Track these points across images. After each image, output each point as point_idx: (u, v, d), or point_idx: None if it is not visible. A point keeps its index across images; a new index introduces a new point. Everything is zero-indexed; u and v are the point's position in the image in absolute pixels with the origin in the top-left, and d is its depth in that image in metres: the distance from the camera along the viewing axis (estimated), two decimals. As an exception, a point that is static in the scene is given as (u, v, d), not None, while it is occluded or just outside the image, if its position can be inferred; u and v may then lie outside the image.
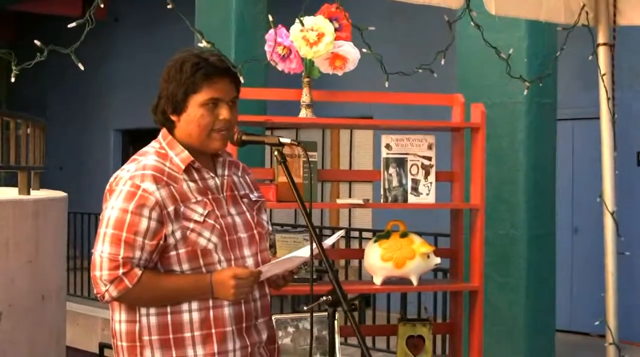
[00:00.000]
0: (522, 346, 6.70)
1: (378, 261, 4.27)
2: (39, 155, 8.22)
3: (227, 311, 2.73)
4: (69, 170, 15.42)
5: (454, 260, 4.66)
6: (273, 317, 3.06)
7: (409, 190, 4.47)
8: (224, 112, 2.74)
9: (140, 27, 14.89)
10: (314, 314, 2.86)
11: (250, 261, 2.81)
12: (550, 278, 6.94)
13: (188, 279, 2.70)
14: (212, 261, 2.72)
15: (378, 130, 8.96)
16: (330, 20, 4.12)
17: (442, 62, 4.26)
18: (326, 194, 11.96)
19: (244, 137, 2.87)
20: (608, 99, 4.79)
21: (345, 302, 2.58)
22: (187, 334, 2.70)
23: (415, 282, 4.33)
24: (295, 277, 3.04)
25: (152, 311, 2.70)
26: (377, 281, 4.34)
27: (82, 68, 3.14)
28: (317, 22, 4.08)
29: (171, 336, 2.70)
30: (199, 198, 2.73)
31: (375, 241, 4.35)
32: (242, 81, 3.86)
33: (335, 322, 2.75)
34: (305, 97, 4.29)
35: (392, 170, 4.46)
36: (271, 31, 4.09)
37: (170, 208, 2.66)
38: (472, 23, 4.28)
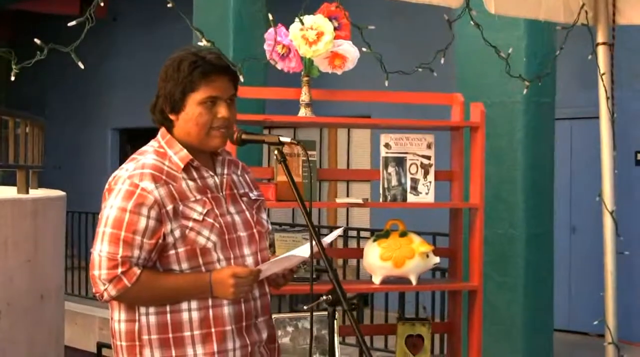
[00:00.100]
0: (520, 345, 6.70)
1: (377, 260, 4.26)
2: (38, 154, 8.20)
3: (226, 310, 2.73)
4: (67, 170, 15.41)
5: (452, 259, 4.65)
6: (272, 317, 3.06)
7: (408, 189, 4.46)
8: (222, 110, 2.74)
9: (138, 26, 14.88)
10: (313, 314, 2.86)
11: (249, 260, 2.80)
12: (549, 277, 6.94)
13: (187, 278, 2.69)
14: (212, 259, 2.71)
15: (377, 129, 8.96)
16: (330, 19, 4.12)
17: (442, 62, 4.26)
18: (324, 194, 11.96)
19: (243, 136, 2.87)
20: (607, 98, 4.79)
21: (345, 302, 2.57)
22: (187, 333, 2.70)
23: (414, 282, 4.33)
24: (295, 276, 3.03)
25: (152, 310, 2.70)
26: (376, 280, 4.33)
27: (82, 67, 3.14)
28: (317, 21, 4.07)
29: (170, 335, 2.69)
30: (198, 197, 2.73)
31: (375, 240, 4.34)
32: (242, 80, 3.87)
33: (335, 321, 2.75)
34: (304, 96, 4.28)
35: (391, 169, 4.46)
36: (271, 30, 4.09)
37: (169, 207, 2.65)
38: (471, 22, 4.28)
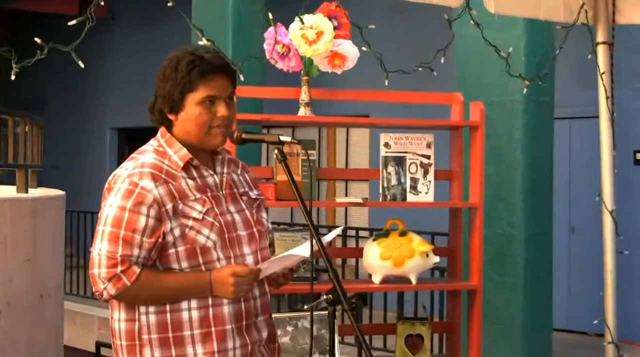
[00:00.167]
0: (519, 345, 6.70)
1: (377, 260, 4.26)
2: (37, 154, 8.20)
3: (226, 309, 2.72)
4: (65, 169, 15.40)
5: (452, 259, 4.65)
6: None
7: (408, 188, 4.46)
8: (221, 109, 2.73)
9: (136, 25, 14.88)
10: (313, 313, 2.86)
11: (249, 259, 2.80)
12: (548, 277, 6.94)
13: (187, 277, 2.69)
14: (211, 258, 2.71)
15: (376, 128, 8.96)
16: (330, 19, 4.11)
17: (442, 61, 4.26)
18: (322, 193, 11.95)
19: (244, 136, 2.86)
20: (607, 97, 4.79)
21: (345, 301, 2.57)
22: (187, 333, 2.69)
23: (414, 281, 4.33)
24: (294, 275, 3.03)
25: (152, 309, 2.69)
26: (376, 279, 4.33)
27: (82, 66, 3.14)
28: (316, 21, 4.07)
29: (170, 335, 2.69)
30: (198, 196, 2.73)
31: (374, 240, 4.34)
32: (242, 79, 3.87)
33: (335, 321, 2.74)
34: (304, 96, 4.28)
35: (390, 168, 4.46)
36: (271, 29, 4.09)
37: (169, 206, 2.65)
38: (471, 21, 4.28)
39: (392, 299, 8.25)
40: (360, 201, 4.42)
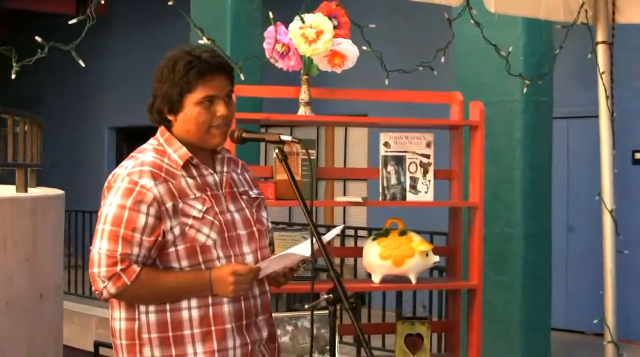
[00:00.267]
0: (518, 344, 6.70)
1: (377, 259, 4.26)
2: (37, 153, 8.19)
3: (226, 308, 2.72)
4: (63, 168, 15.37)
5: (451, 258, 4.65)
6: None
7: (408, 188, 4.46)
8: (220, 109, 2.73)
9: (134, 24, 14.86)
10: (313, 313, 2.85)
11: (249, 258, 2.80)
12: (546, 276, 6.94)
13: (187, 276, 2.69)
14: (211, 257, 2.71)
15: (375, 128, 8.96)
16: (329, 18, 4.11)
17: (442, 60, 4.26)
18: (320, 192, 11.95)
19: (244, 135, 2.86)
20: (607, 97, 4.79)
21: (346, 300, 2.56)
22: (187, 332, 2.69)
23: (414, 281, 4.33)
24: (294, 275, 3.02)
25: (152, 308, 2.69)
26: (376, 279, 4.32)
27: (82, 65, 3.14)
28: (316, 20, 4.06)
29: (170, 334, 2.69)
30: (198, 194, 2.72)
31: (374, 239, 4.34)
32: (242, 78, 3.86)
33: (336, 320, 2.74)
34: (303, 95, 4.27)
35: (390, 168, 4.45)
36: (271, 28, 4.08)
37: (169, 204, 2.65)
38: (471, 21, 4.28)
39: (390, 298, 8.25)
40: (360, 200, 4.42)
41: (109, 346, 2.83)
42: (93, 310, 10.59)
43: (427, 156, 4.50)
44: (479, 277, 4.42)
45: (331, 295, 2.60)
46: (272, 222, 3.12)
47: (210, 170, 2.81)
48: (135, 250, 2.62)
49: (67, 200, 7.59)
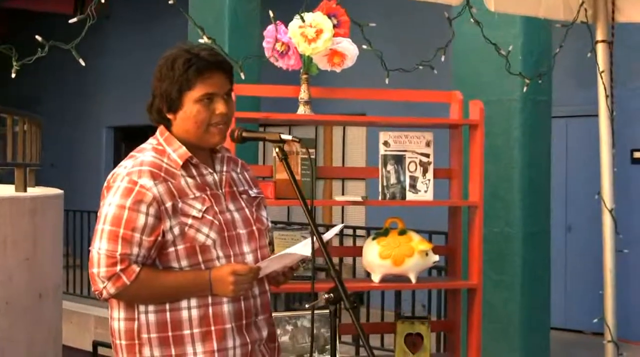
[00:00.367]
0: (517, 344, 6.70)
1: (376, 259, 4.25)
2: (36, 152, 8.19)
3: (226, 308, 2.71)
4: (62, 168, 15.37)
5: (451, 258, 4.65)
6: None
7: (407, 187, 4.45)
8: (220, 107, 2.72)
9: (132, 24, 14.86)
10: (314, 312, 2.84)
11: (249, 258, 2.79)
12: (545, 276, 6.94)
13: (187, 276, 2.68)
14: (211, 257, 2.70)
15: (374, 127, 8.95)
16: (329, 17, 4.10)
17: (442, 59, 4.26)
18: (319, 191, 11.95)
19: (244, 134, 2.86)
20: (607, 96, 4.78)
21: (347, 300, 2.56)
22: (186, 332, 2.68)
23: (413, 280, 4.32)
24: (294, 274, 3.02)
25: (151, 308, 2.68)
26: (376, 278, 4.32)
27: (82, 64, 3.13)
28: (316, 19, 4.06)
29: (170, 334, 2.68)
30: (197, 194, 2.72)
31: (374, 239, 4.33)
32: (243, 77, 3.85)
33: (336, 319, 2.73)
34: (303, 94, 4.26)
35: (390, 167, 4.45)
36: (270, 27, 4.07)
37: (168, 204, 2.64)
38: (471, 20, 4.28)
39: (389, 298, 8.25)
40: (360, 199, 4.41)
41: (107, 345, 2.83)
42: (91, 310, 10.60)
43: (427, 155, 4.49)
44: (479, 276, 4.41)
45: (332, 294, 2.59)
46: (271, 222, 3.12)
47: (210, 170, 2.80)
48: (135, 250, 2.61)
49: (66, 199, 7.59)
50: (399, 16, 10.54)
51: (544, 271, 6.92)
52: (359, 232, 8.88)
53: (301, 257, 2.82)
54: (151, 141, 2.80)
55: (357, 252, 4.67)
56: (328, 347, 4.11)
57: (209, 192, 2.75)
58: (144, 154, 2.74)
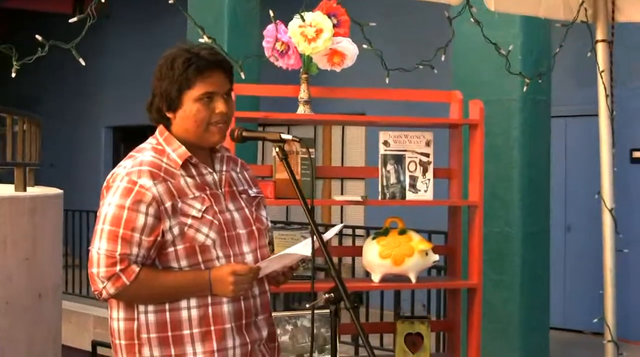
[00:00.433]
0: (516, 344, 6.70)
1: (376, 258, 4.25)
2: (35, 152, 8.19)
3: (226, 307, 2.71)
4: (61, 167, 15.37)
5: (451, 257, 4.65)
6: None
7: (407, 187, 4.45)
8: (219, 106, 2.72)
9: (132, 24, 14.85)
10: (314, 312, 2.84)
11: (249, 257, 2.79)
12: (545, 276, 6.94)
13: (186, 276, 2.68)
14: (211, 257, 2.70)
15: (374, 127, 8.95)
16: (329, 16, 4.10)
17: (442, 59, 4.25)
18: (318, 191, 11.95)
19: (244, 134, 2.86)
20: (607, 95, 4.78)
21: (348, 300, 2.56)
22: (186, 332, 2.68)
23: (413, 280, 4.32)
24: (294, 274, 3.02)
25: (151, 308, 2.68)
26: (376, 278, 4.31)
27: (83, 63, 3.13)
28: (316, 18, 4.05)
29: (170, 334, 2.68)
30: (197, 194, 2.72)
31: (374, 238, 4.33)
32: (243, 77, 3.85)
33: (337, 319, 2.73)
34: (303, 94, 4.26)
35: (389, 167, 4.44)
36: (270, 26, 4.07)
37: (168, 204, 2.64)
38: (471, 19, 4.28)
39: (389, 297, 8.25)
40: (359, 199, 4.41)
41: (106, 345, 2.83)
42: (90, 309, 10.59)
43: (427, 155, 4.49)
44: (479, 276, 4.41)
45: (332, 294, 2.59)
46: (271, 221, 3.11)
47: (210, 169, 2.80)
48: (135, 250, 2.61)
49: (64, 199, 7.59)
50: (399, 16, 10.54)
51: (544, 270, 6.92)
52: (358, 231, 8.88)
53: (301, 257, 2.82)
54: (150, 141, 2.80)
55: (357, 252, 4.67)
56: (328, 347, 4.10)
57: (208, 192, 2.75)
58: (144, 153, 2.73)
